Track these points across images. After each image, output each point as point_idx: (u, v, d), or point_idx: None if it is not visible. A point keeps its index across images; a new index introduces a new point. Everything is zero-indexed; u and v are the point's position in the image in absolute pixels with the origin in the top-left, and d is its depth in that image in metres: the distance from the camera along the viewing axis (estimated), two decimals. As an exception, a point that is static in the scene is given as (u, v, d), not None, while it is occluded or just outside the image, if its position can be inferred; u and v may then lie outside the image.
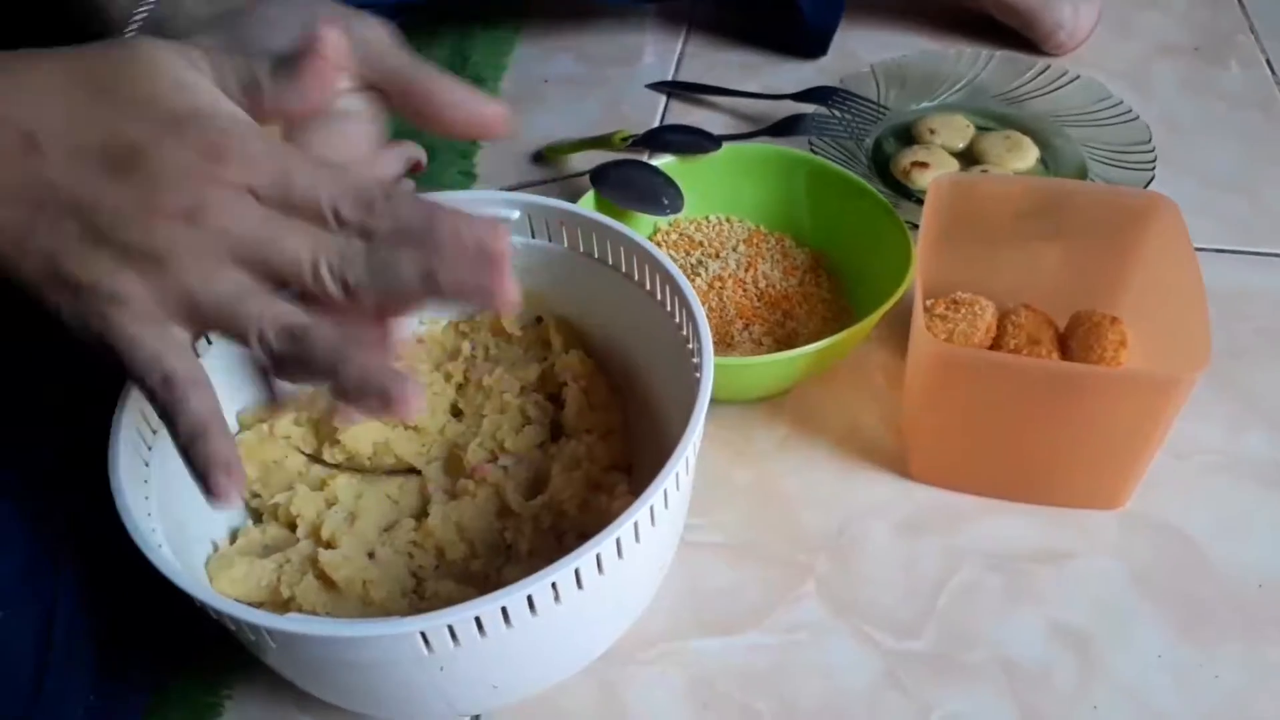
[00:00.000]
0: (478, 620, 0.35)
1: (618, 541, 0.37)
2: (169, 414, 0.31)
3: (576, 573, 0.36)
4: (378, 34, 0.40)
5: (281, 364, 0.32)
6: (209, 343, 0.47)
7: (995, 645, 0.48)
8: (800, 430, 0.58)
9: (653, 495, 0.38)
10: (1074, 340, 0.57)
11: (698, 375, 0.44)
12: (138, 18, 0.41)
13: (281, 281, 0.32)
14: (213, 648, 0.47)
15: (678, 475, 0.39)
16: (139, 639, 0.44)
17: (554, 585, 0.36)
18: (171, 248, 0.30)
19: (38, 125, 0.30)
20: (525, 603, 0.36)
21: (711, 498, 0.54)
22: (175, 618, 0.46)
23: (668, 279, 0.47)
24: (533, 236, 0.52)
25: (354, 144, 0.41)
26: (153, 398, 0.32)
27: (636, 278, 0.50)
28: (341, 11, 0.40)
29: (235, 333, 0.32)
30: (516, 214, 0.51)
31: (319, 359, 0.31)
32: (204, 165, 0.31)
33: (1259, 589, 0.50)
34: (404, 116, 0.41)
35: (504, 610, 0.35)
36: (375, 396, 0.31)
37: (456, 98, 0.40)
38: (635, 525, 0.37)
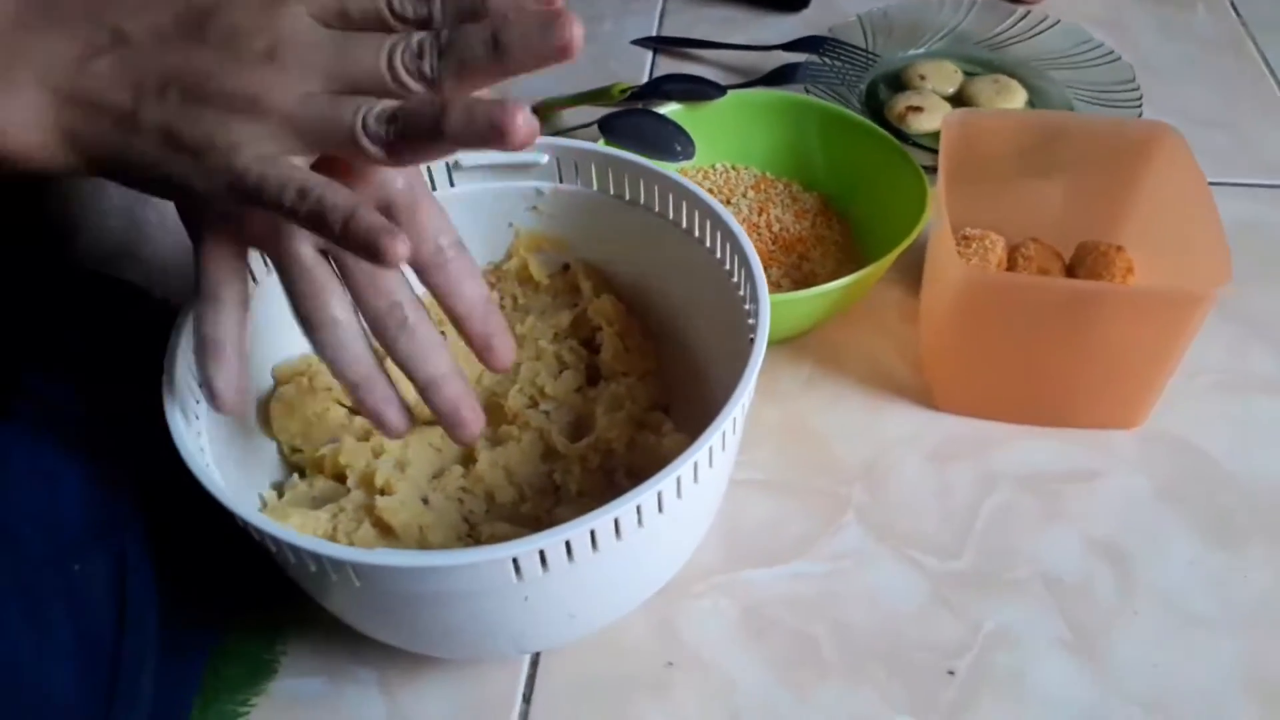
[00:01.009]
0: (568, 544, 0.35)
1: (695, 465, 0.37)
2: (317, 213, 0.32)
3: (659, 495, 0.37)
4: None
5: (390, 145, 0.32)
6: (267, 268, 0.47)
7: (1035, 561, 0.49)
8: (824, 369, 0.59)
9: (734, 407, 0.38)
10: (1082, 270, 0.59)
11: (748, 307, 0.45)
12: None
13: (365, 90, 0.33)
14: (264, 604, 0.47)
15: (752, 384, 0.40)
16: (197, 595, 0.44)
17: (638, 509, 0.36)
18: (263, 86, 0.32)
19: (119, 16, 0.33)
20: (612, 526, 0.36)
21: (744, 436, 0.54)
22: (227, 575, 0.45)
23: (708, 214, 0.48)
24: (560, 181, 0.52)
25: None
26: (295, 214, 0.32)
27: (672, 216, 0.50)
28: None
29: (341, 134, 0.32)
30: (545, 158, 0.51)
31: (423, 115, 0.32)
32: (266, 8, 0.33)
33: (1277, 495, 0.52)
34: None
35: (592, 534, 0.36)
36: (487, 126, 0.31)
37: None
38: (723, 435, 0.38)
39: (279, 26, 0.32)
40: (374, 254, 0.31)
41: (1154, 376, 0.53)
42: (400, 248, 0.31)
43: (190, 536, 0.42)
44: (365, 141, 0.32)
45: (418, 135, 0.32)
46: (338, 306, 0.37)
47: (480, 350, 0.40)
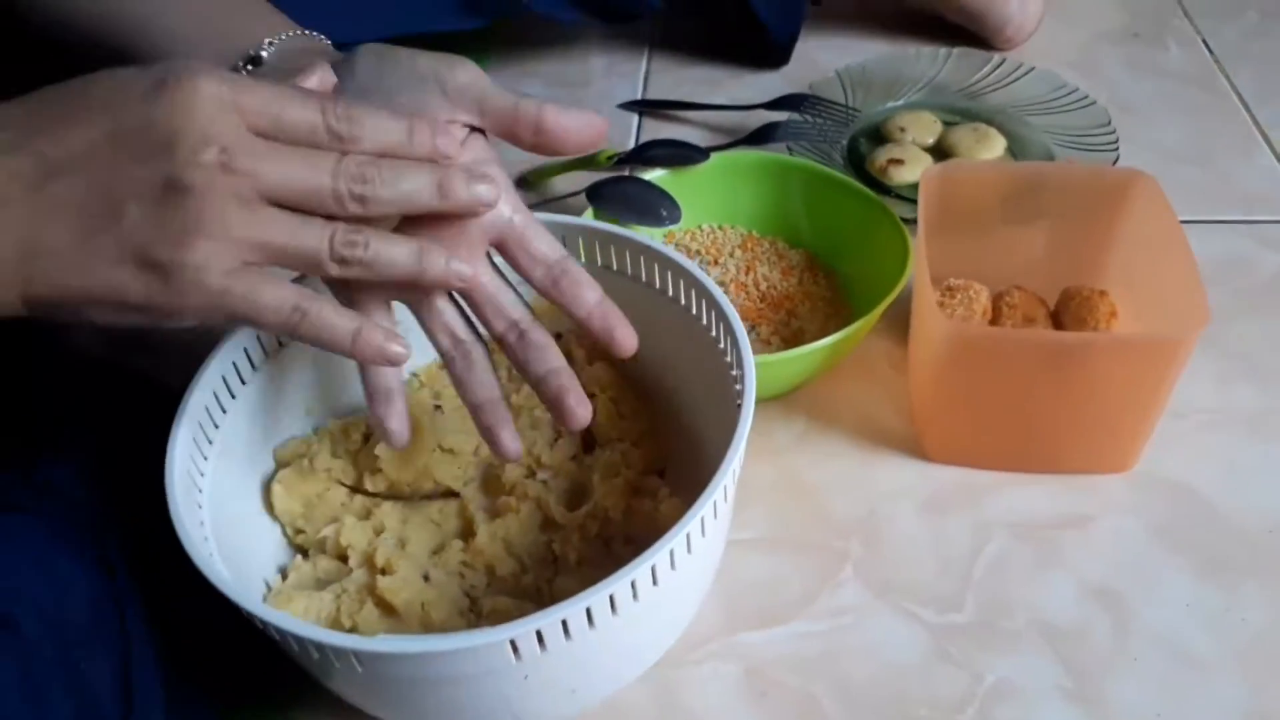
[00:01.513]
0: (564, 623, 0.36)
1: (688, 536, 0.38)
2: (315, 338, 0.37)
3: (653, 569, 0.37)
4: (474, 76, 0.43)
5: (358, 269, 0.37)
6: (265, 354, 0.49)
7: (1033, 610, 0.50)
8: (816, 424, 0.60)
9: (725, 475, 0.39)
10: (1066, 315, 0.60)
11: (735, 372, 0.45)
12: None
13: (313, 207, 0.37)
14: (269, 686, 0.47)
15: (741, 450, 0.41)
16: (202, 681, 0.44)
17: (633, 583, 0.37)
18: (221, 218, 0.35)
19: (42, 143, 0.34)
20: (607, 602, 0.37)
21: (739, 495, 0.55)
22: (232, 656, 0.46)
23: (693, 283, 0.49)
24: (549, 254, 0.53)
25: None
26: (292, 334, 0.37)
27: (659, 284, 0.51)
28: (435, 61, 0.42)
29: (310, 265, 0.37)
30: (533, 234, 0.52)
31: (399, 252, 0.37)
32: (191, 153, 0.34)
33: (1269, 534, 0.52)
34: (515, 145, 0.44)
35: (589, 611, 0.36)
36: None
37: (565, 121, 0.43)
38: (715, 504, 0.39)
39: (221, 138, 0.34)
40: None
41: (1142, 420, 0.53)
42: (401, 350, 0.38)
43: (194, 621, 0.43)
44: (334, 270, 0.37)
45: (383, 268, 0.38)
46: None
47: (606, 342, 0.44)
